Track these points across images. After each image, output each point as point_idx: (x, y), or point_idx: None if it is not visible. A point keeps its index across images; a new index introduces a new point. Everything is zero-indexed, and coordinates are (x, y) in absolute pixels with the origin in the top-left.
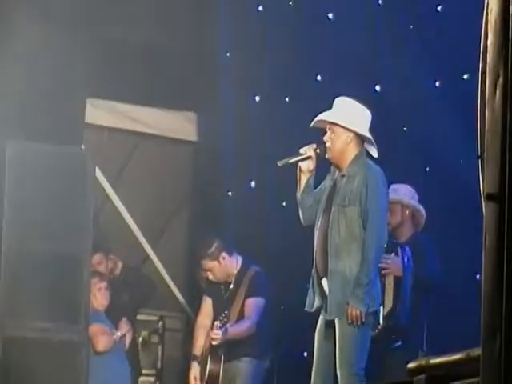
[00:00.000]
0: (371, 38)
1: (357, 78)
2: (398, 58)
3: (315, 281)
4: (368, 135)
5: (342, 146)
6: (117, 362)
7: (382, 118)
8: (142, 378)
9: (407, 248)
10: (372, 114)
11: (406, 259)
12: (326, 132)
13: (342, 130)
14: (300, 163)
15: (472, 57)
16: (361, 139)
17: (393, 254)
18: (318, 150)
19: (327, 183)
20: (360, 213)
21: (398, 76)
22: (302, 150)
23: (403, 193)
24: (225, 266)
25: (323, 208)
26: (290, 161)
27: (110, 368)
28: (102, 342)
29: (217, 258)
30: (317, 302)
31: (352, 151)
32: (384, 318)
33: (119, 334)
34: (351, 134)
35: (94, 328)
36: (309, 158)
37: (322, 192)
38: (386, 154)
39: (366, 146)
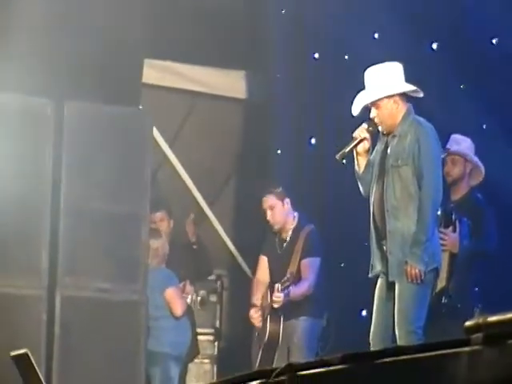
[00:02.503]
0: None
1: (413, 36)
2: (455, 15)
3: (374, 245)
4: (408, 87)
5: (390, 113)
6: (177, 321)
7: (439, 75)
8: (200, 338)
9: (464, 220)
10: (429, 71)
11: (463, 235)
12: (370, 109)
13: (384, 100)
14: (356, 147)
15: None
16: (404, 95)
17: (450, 228)
18: (370, 128)
19: (379, 147)
20: (414, 171)
21: (455, 33)
22: (355, 134)
23: (466, 147)
24: (286, 211)
25: (377, 171)
26: (347, 149)
27: (171, 327)
28: (180, 307)
29: (282, 199)
30: (377, 267)
31: (400, 112)
32: (436, 295)
33: (190, 296)
34: (395, 97)
35: (171, 292)
36: (363, 139)
37: (375, 156)
38: (443, 111)
39: (410, 93)
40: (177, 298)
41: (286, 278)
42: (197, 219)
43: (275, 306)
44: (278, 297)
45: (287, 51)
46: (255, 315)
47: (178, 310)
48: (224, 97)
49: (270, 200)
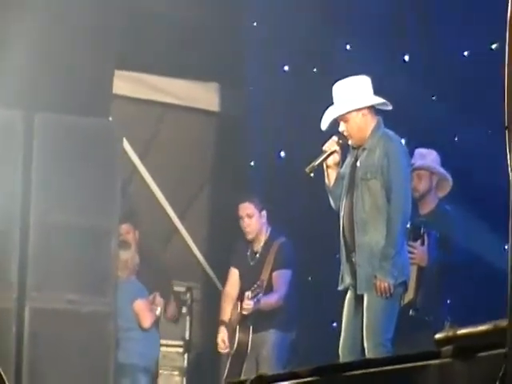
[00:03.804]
0: (400, 7)
1: (385, 48)
2: (427, 27)
3: (344, 258)
4: (376, 100)
5: (359, 127)
6: (146, 333)
7: (411, 87)
8: (170, 349)
9: (433, 233)
10: (400, 83)
11: (431, 248)
12: (338, 123)
13: (352, 114)
14: (326, 160)
15: (501, 26)
16: (373, 108)
17: (418, 241)
18: (340, 141)
19: (348, 160)
20: (383, 184)
21: (427, 45)
22: (325, 147)
23: (431, 159)
24: (262, 223)
25: (347, 185)
26: (317, 163)
27: (140, 339)
28: (148, 319)
29: (259, 210)
30: (347, 280)
31: (369, 125)
32: (403, 307)
33: (159, 309)
34: (364, 111)
35: (140, 304)
36: (333, 152)
37: (345, 169)
38: (415, 123)
39: (379, 106)
40: (145, 310)
41: (256, 286)
42: (167, 231)
43: (244, 312)
44: (248, 304)
45: (259, 64)
46: (222, 344)
47: (147, 322)
48: (196, 109)
49: (248, 208)
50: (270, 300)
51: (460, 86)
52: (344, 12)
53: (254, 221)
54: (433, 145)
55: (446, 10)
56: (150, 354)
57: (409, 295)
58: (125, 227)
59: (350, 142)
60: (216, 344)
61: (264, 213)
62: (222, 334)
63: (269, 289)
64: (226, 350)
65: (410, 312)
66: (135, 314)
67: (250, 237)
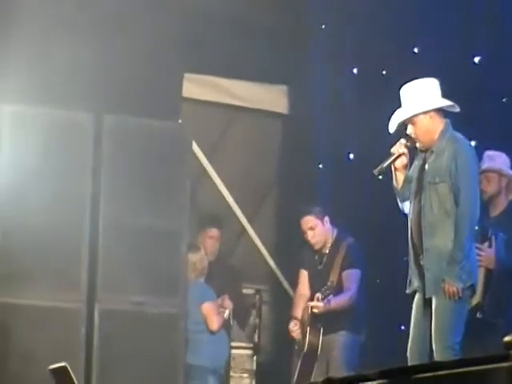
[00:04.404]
0: (469, 8)
1: (455, 50)
2: (497, 28)
3: (412, 261)
4: (444, 102)
5: (426, 129)
6: (215, 335)
7: (480, 89)
8: (239, 351)
9: (501, 235)
10: (470, 85)
11: (499, 250)
12: (406, 126)
13: (420, 116)
14: (394, 162)
15: None
16: (441, 111)
17: (486, 243)
18: (408, 144)
19: (416, 163)
20: (451, 188)
21: (497, 47)
22: (393, 150)
23: (501, 162)
24: (327, 229)
25: (415, 188)
26: (385, 165)
27: (208, 341)
28: (216, 322)
29: (321, 219)
30: (415, 283)
31: (437, 128)
32: (471, 310)
33: (227, 311)
34: (431, 113)
35: (208, 307)
36: (401, 154)
37: (413, 172)
38: (485, 125)
39: (446, 108)
40: (213, 314)
41: (326, 287)
42: (236, 234)
43: (314, 310)
44: (318, 307)
45: (327, 66)
46: (294, 328)
47: (214, 324)
48: (264, 111)
49: (310, 221)
50: (342, 299)
51: None
52: (412, 14)
53: (317, 232)
54: (503, 148)
55: None
56: (219, 356)
57: (476, 298)
58: (214, 232)
59: (417, 145)
60: (285, 346)
61: (327, 219)
62: (293, 324)
63: (338, 289)
64: (298, 336)
65: (478, 314)
66: (203, 317)
67: (317, 247)
